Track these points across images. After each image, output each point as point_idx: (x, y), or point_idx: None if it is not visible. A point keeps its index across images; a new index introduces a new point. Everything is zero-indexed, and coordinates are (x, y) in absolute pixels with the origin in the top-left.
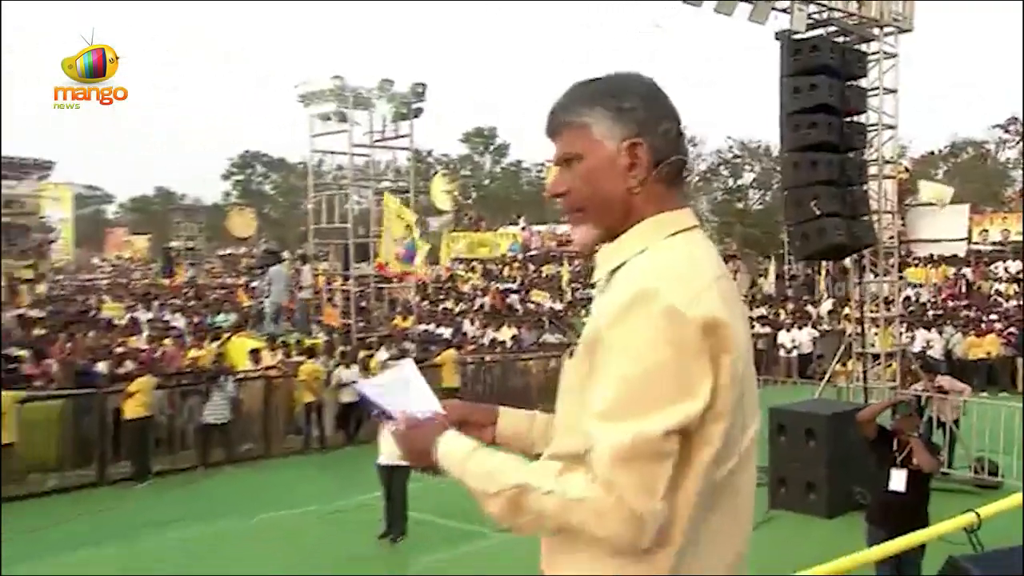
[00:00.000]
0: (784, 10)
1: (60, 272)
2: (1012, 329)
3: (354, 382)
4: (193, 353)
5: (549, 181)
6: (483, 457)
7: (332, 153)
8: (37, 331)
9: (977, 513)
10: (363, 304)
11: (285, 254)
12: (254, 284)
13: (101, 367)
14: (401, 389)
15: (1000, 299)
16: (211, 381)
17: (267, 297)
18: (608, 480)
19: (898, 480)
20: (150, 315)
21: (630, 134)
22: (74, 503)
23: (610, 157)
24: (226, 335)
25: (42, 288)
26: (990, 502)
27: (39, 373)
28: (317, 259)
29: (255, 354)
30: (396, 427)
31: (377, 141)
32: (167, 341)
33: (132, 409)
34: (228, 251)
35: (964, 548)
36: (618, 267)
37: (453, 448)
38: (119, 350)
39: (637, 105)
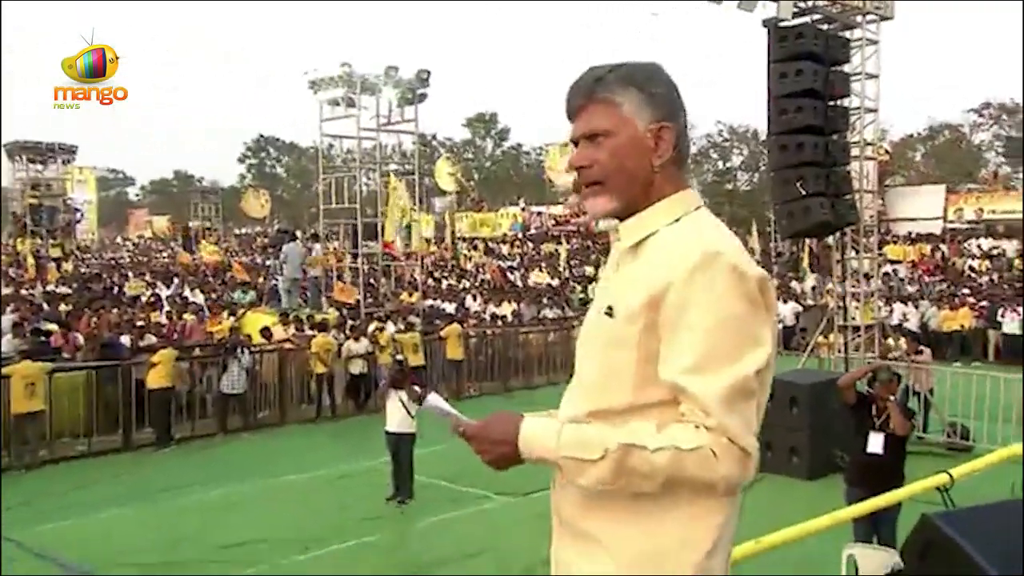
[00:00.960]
0: None
1: (86, 251)
2: (984, 303)
3: (367, 354)
4: (211, 327)
5: (572, 156)
6: (573, 429)
7: (341, 137)
8: (64, 307)
9: (950, 474)
10: (371, 281)
11: (298, 233)
12: (268, 263)
13: (125, 340)
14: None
15: (973, 275)
16: (228, 353)
17: (280, 274)
18: (719, 424)
19: (875, 443)
20: (169, 292)
21: (659, 117)
22: (100, 467)
23: (638, 136)
24: (241, 310)
25: (68, 266)
26: (962, 464)
27: (67, 345)
28: (328, 238)
29: (266, 331)
30: (467, 427)
31: (384, 125)
32: (187, 316)
33: (155, 379)
34: (244, 231)
35: (938, 507)
36: (646, 238)
37: (539, 428)
38: (141, 324)
39: (665, 92)
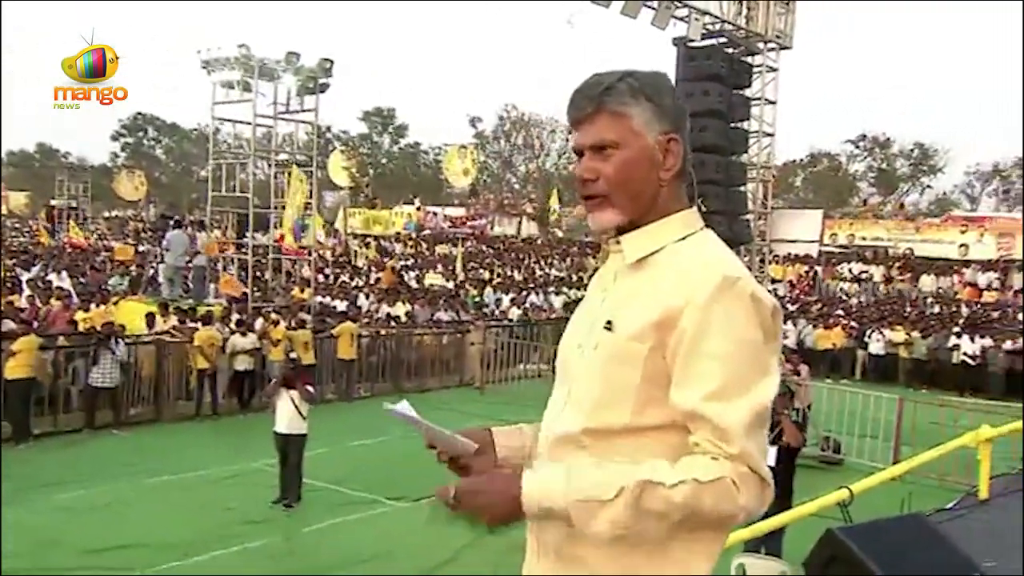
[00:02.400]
0: (683, 18)
1: None
2: (854, 323)
3: (253, 350)
4: (80, 315)
5: (577, 166)
6: (582, 469)
7: (232, 122)
8: None
9: (850, 489)
10: (258, 274)
11: (185, 219)
12: (142, 248)
13: None
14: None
15: (845, 296)
16: (101, 344)
17: (162, 262)
18: (741, 451)
19: (769, 455)
20: (30, 275)
21: (669, 129)
22: None
23: (648, 149)
24: (115, 298)
25: None
26: (836, 477)
27: None
28: (213, 227)
29: (151, 318)
30: (462, 487)
31: (281, 113)
32: (54, 301)
33: (14, 369)
34: (115, 213)
35: (831, 520)
36: (652, 253)
37: (544, 477)
38: None
39: (672, 103)
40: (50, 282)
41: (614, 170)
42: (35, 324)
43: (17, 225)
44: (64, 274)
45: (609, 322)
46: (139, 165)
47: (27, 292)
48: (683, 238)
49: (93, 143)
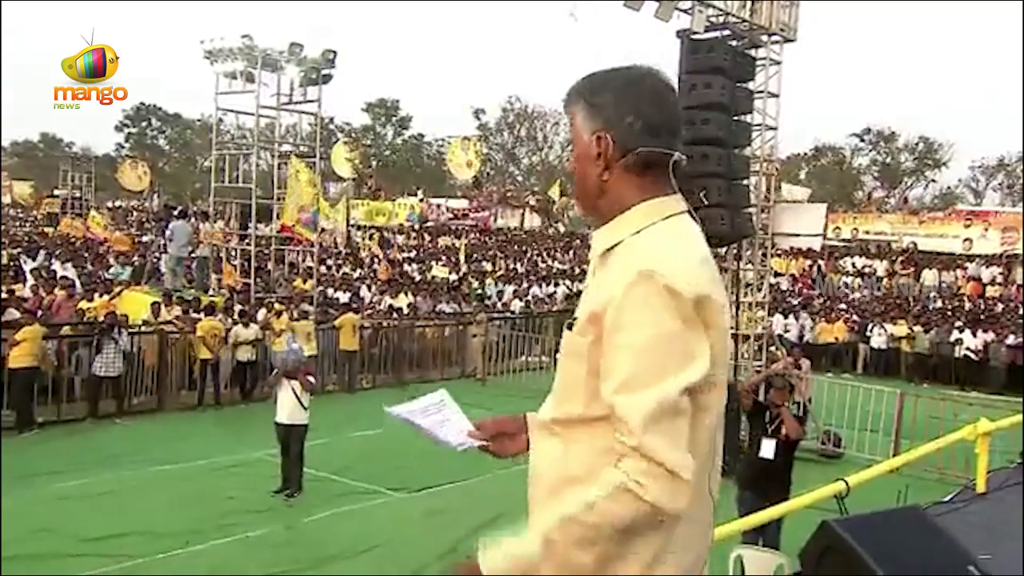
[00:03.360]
0: (686, 11)
1: None
2: (856, 318)
3: (256, 340)
4: (84, 304)
5: None
6: (515, 538)
7: (236, 112)
8: None
9: (846, 481)
10: (261, 265)
11: (189, 210)
12: (146, 238)
13: None
14: (436, 412)
15: (847, 290)
16: (104, 333)
17: (165, 252)
18: (639, 443)
19: (768, 448)
20: (34, 264)
21: (597, 127)
22: None
23: (585, 146)
24: (118, 288)
25: None
26: (835, 470)
27: None
28: (217, 217)
29: (156, 308)
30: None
31: (284, 104)
32: (58, 291)
33: (18, 358)
34: (118, 203)
35: (826, 513)
36: (613, 247)
37: (491, 558)
38: (3, 297)
39: (608, 100)
40: (55, 271)
41: (571, 167)
42: (39, 313)
43: (21, 215)
44: (69, 264)
45: (574, 318)
46: (143, 155)
47: (31, 281)
48: (639, 231)
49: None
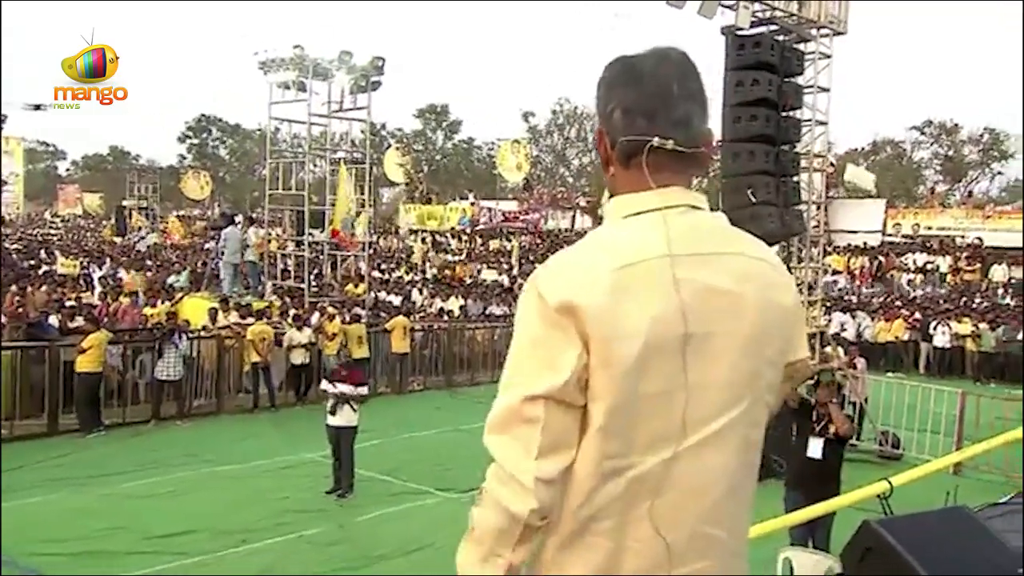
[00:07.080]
0: (730, 7)
1: (9, 225)
2: (917, 316)
3: (309, 344)
4: (148, 311)
5: None
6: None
7: (289, 121)
8: None
9: (889, 481)
10: (315, 270)
11: (238, 217)
12: (207, 246)
13: (53, 321)
14: None
15: (908, 288)
16: (165, 338)
17: (220, 258)
18: (488, 445)
19: (815, 448)
20: (101, 272)
21: (599, 125)
22: (24, 452)
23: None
24: (179, 294)
25: None
26: (893, 473)
27: None
28: (272, 224)
29: (214, 313)
30: None
31: (335, 112)
32: (123, 298)
33: (85, 363)
34: (182, 212)
35: (874, 513)
36: None
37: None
38: (72, 305)
39: (600, 94)
40: (120, 279)
41: None
42: (105, 320)
43: (92, 225)
44: (133, 272)
45: None
46: (204, 165)
47: (99, 289)
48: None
49: (162, 145)
